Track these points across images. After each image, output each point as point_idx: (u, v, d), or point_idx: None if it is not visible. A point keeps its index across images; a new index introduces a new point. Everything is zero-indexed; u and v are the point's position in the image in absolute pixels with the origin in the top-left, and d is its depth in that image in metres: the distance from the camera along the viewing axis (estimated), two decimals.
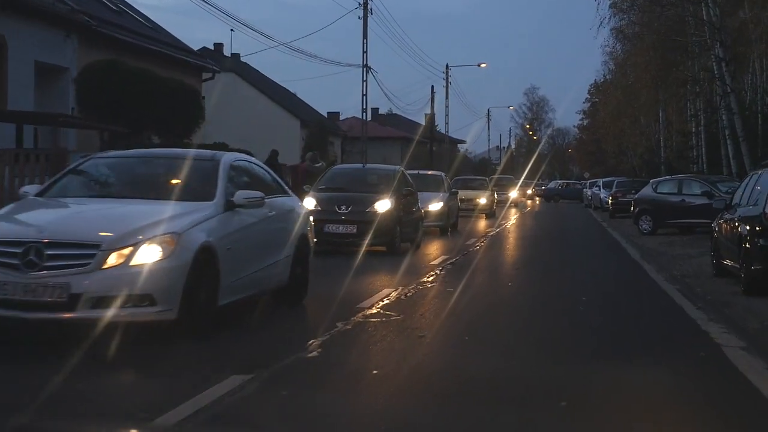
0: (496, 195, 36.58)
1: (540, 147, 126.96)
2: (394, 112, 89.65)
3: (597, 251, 21.04)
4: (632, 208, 27.58)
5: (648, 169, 49.57)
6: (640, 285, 14.03)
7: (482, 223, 29.69)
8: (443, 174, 26.41)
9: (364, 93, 38.10)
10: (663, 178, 28.85)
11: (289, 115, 45.75)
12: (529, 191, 70.69)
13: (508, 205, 42.18)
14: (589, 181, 56.76)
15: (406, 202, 18.63)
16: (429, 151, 62.43)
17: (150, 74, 22.85)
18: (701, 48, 31.84)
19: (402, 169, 21.12)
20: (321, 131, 40.79)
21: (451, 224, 24.95)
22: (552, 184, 78.12)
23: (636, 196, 27.91)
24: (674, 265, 16.78)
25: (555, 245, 22.08)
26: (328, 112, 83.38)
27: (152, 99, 22.87)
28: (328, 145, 50.11)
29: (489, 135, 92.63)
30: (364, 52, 38.01)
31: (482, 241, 21.84)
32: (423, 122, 74.78)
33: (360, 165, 22.81)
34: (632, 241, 23.89)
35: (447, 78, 60.76)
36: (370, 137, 70.18)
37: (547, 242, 22.94)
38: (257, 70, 53.36)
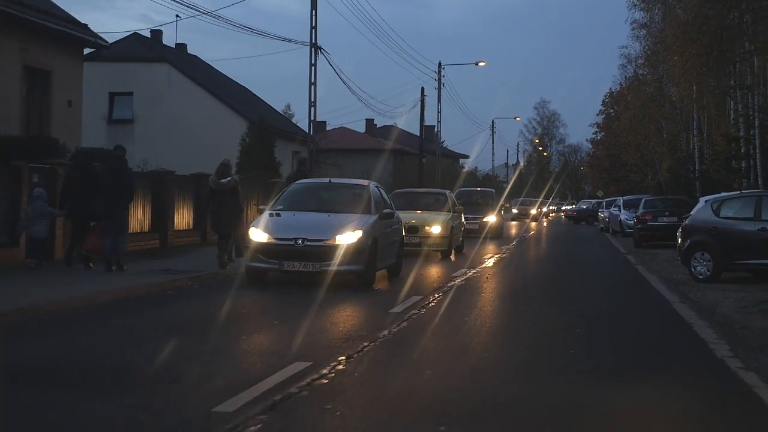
0: (464, 219, 24.90)
1: (549, 163, 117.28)
2: (391, 124, 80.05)
3: (638, 336, 10.40)
4: (680, 240, 17.45)
5: (679, 185, 39.31)
6: None
7: (445, 265, 19.32)
8: (373, 184, 15.84)
9: (313, 81, 28.05)
10: (727, 194, 18.77)
11: (234, 114, 35.77)
12: (533, 211, 60.00)
13: (483, 236, 28.42)
14: (605, 200, 46.25)
15: None
16: (419, 163, 52.39)
17: None
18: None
19: None
20: (263, 133, 30.78)
21: (386, 267, 14.89)
22: (583, 204, 64.03)
23: (687, 222, 17.72)
24: None
25: (557, 315, 11.72)
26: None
27: None
28: (291, 153, 40.18)
29: (493, 149, 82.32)
30: (312, 27, 27.98)
31: (427, 305, 11.71)
32: (423, 135, 64.79)
33: None
34: (688, 298, 13.85)
35: (439, 78, 50.61)
36: (358, 149, 60.46)
37: (544, 306, 12.60)
38: (208, 64, 43.55)
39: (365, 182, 16.03)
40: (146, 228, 19.92)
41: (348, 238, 13.24)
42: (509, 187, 65.83)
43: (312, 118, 28.89)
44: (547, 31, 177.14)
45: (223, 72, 45.46)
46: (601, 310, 12.30)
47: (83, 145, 30.95)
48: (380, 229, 14.17)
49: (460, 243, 23.19)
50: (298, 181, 16.44)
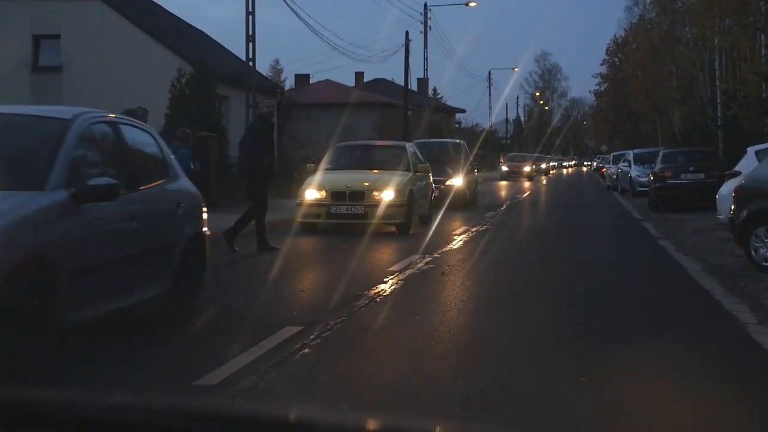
0: (431, 179, 17.87)
1: (551, 117, 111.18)
2: (383, 77, 74.05)
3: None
4: (734, 210, 11.59)
5: (698, 135, 33.33)
6: None
7: (390, 249, 13.11)
8: (89, 116, 6.45)
9: (250, 10, 21.99)
10: None
11: (180, 60, 29.57)
12: (527, 168, 49.85)
13: (446, 206, 19.26)
14: (612, 155, 39.99)
15: None
16: (404, 117, 46.41)
17: None
18: None
19: None
20: (201, 77, 24.82)
21: (156, 297, 6.88)
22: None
23: (744, 183, 11.78)
24: None
25: (551, 374, 5.87)
26: (295, 75, 68.09)
27: None
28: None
29: (490, 102, 76.09)
30: None
31: (294, 355, 5.89)
32: (416, 88, 58.84)
33: None
34: (762, 306, 8.08)
35: (426, 20, 44.42)
36: (339, 104, 54.26)
37: (529, 336, 6.74)
38: (161, 7, 37.43)
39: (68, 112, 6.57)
40: None
41: None
42: (481, 137, 58.15)
43: (251, 56, 22.84)
44: None
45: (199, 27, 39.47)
46: (637, 353, 6.42)
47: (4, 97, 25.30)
48: (76, 228, 5.85)
49: (427, 212, 17.27)
50: None
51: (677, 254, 12.87)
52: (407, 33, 43.39)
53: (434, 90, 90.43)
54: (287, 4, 23.36)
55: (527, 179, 47.06)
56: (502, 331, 7.08)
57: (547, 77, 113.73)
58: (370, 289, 8.86)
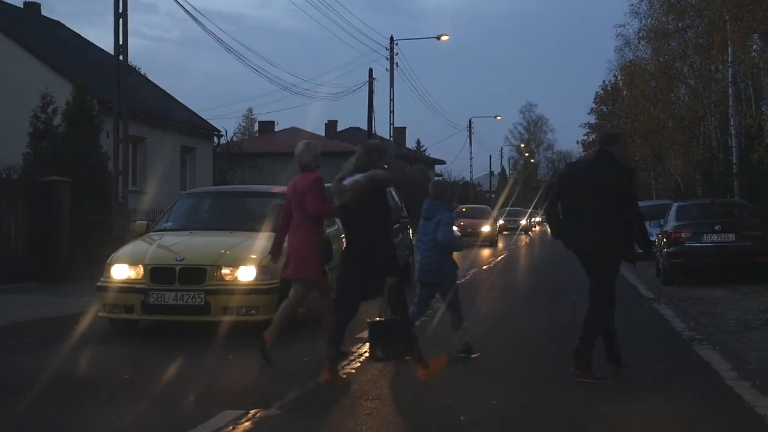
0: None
1: (537, 170, 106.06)
2: (356, 126, 68.63)
3: None
4: None
5: (706, 186, 27.53)
6: None
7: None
8: None
9: (120, 13, 15.91)
10: None
11: (65, 82, 23.27)
12: (485, 228, 34.28)
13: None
14: None
15: None
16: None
17: None
18: None
19: None
20: (82, 110, 18.92)
21: None
22: None
23: None
24: None
25: None
26: (259, 121, 62.92)
27: None
28: (179, 149, 28.21)
29: (471, 151, 70.46)
30: None
31: None
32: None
33: None
34: None
35: (392, 56, 38.74)
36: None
37: None
38: (65, 27, 31.68)
39: None
40: None
41: None
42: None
43: (122, 42, 16.63)
44: (532, 38, 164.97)
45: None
46: None
47: None
48: None
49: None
50: None
51: (743, 387, 6.82)
52: (371, 70, 37.78)
53: (418, 142, 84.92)
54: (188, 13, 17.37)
55: (486, 242, 33.98)
56: None
57: (533, 129, 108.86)
58: None
